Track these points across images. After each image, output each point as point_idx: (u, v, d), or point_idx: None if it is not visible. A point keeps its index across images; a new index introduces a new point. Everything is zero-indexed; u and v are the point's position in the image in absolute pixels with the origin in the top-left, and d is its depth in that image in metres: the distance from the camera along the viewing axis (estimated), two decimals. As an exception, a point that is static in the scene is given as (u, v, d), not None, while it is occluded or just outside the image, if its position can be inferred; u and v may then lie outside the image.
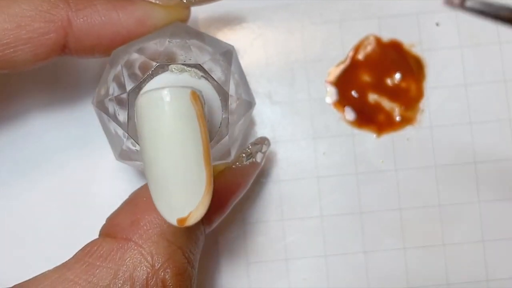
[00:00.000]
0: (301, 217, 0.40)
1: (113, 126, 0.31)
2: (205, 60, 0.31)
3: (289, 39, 0.41)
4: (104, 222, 0.33)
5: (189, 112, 0.26)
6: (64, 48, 0.32)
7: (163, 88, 0.26)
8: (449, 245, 0.40)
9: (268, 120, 0.40)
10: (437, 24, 0.41)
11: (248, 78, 0.35)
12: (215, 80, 0.31)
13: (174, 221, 0.26)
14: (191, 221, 0.26)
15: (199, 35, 0.32)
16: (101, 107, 0.31)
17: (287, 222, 0.40)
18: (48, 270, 0.30)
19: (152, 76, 0.30)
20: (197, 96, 0.26)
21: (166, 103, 0.25)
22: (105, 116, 0.31)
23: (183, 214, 0.26)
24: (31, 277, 0.31)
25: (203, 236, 0.33)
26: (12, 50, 0.31)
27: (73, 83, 0.40)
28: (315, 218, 0.40)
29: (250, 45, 0.41)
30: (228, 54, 0.32)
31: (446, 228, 0.40)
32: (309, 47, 0.41)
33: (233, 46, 0.33)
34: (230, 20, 0.41)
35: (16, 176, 0.39)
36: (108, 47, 0.32)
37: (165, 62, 0.30)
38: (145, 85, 0.30)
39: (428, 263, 0.40)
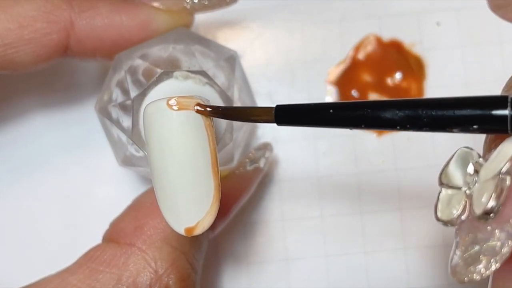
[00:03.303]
0: (301, 217, 0.40)
1: (116, 131, 0.31)
2: (210, 67, 0.31)
3: (289, 39, 0.41)
4: (105, 224, 0.33)
5: (197, 122, 0.26)
6: (66, 49, 0.32)
7: (171, 97, 0.25)
8: (450, 246, 0.40)
9: (268, 120, 0.40)
10: (438, 24, 0.41)
11: (248, 78, 0.35)
12: (219, 86, 0.30)
13: (181, 231, 0.26)
14: (198, 231, 0.26)
15: (202, 41, 0.32)
16: (104, 113, 0.31)
17: (287, 222, 0.40)
18: (51, 275, 0.30)
19: (156, 83, 0.30)
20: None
21: (174, 113, 0.25)
22: (108, 122, 0.31)
23: (191, 224, 0.26)
24: (31, 280, 0.31)
25: (206, 242, 0.33)
26: (14, 50, 0.31)
27: (73, 85, 0.40)
28: (315, 218, 0.40)
29: (250, 45, 0.41)
30: (231, 60, 0.32)
31: (446, 228, 0.40)
32: (309, 47, 0.41)
33: (236, 52, 0.33)
34: (230, 20, 0.41)
35: (16, 178, 0.39)
36: (110, 50, 0.32)
37: (170, 69, 0.30)
38: (149, 92, 0.30)
39: (428, 263, 0.40)
